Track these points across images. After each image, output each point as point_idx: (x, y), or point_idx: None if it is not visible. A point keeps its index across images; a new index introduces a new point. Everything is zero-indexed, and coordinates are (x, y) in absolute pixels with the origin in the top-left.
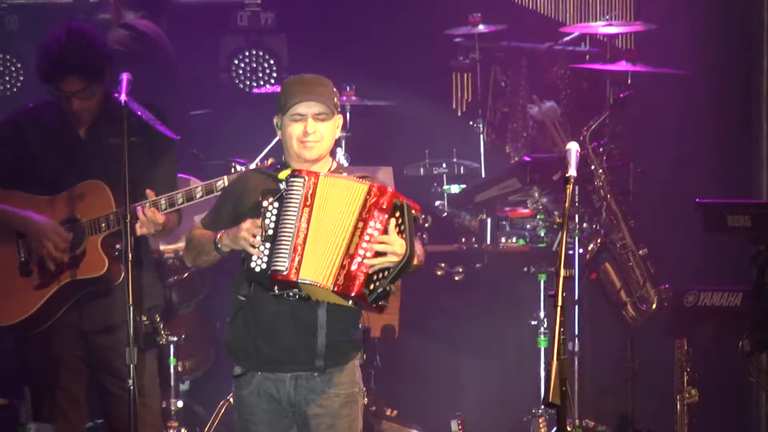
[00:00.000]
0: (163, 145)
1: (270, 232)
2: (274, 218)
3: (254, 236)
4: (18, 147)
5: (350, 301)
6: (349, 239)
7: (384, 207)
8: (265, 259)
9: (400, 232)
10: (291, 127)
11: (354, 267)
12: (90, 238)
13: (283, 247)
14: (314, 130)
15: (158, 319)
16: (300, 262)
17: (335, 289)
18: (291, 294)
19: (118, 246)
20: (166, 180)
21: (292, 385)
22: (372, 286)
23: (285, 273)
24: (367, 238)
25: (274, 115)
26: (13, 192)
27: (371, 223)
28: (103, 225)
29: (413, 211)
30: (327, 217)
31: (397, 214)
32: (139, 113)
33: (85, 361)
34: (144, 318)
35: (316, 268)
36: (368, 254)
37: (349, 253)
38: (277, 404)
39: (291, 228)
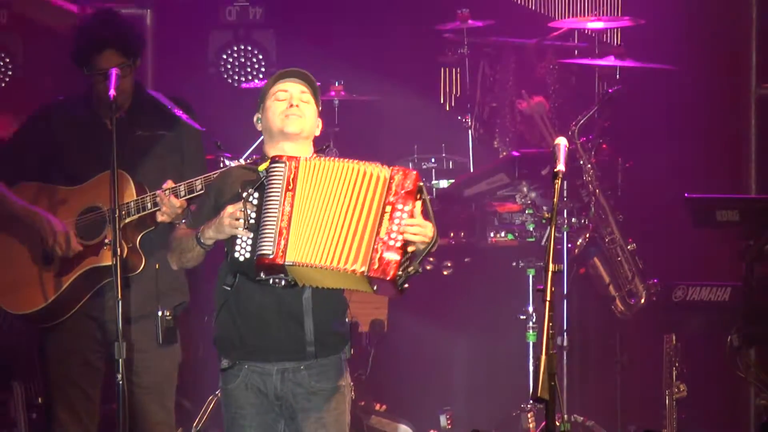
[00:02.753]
0: (191, 137)
1: (252, 221)
2: (255, 208)
3: (237, 219)
4: (44, 139)
5: (375, 286)
6: (375, 223)
7: (410, 189)
8: (249, 248)
9: (426, 215)
10: (274, 105)
11: (388, 251)
12: (110, 226)
13: (267, 231)
14: (298, 104)
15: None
16: (285, 245)
17: (370, 273)
18: (277, 280)
19: (107, 240)
20: (196, 171)
21: (279, 378)
22: (403, 271)
23: (271, 256)
24: (397, 221)
25: (256, 112)
26: (37, 184)
27: (399, 206)
28: (123, 213)
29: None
30: (316, 198)
31: (421, 196)
32: (168, 106)
33: (103, 358)
34: (168, 313)
35: (309, 249)
36: (400, 237)
37: (380, 237)
38: (264, 397)
39: (274, 213)
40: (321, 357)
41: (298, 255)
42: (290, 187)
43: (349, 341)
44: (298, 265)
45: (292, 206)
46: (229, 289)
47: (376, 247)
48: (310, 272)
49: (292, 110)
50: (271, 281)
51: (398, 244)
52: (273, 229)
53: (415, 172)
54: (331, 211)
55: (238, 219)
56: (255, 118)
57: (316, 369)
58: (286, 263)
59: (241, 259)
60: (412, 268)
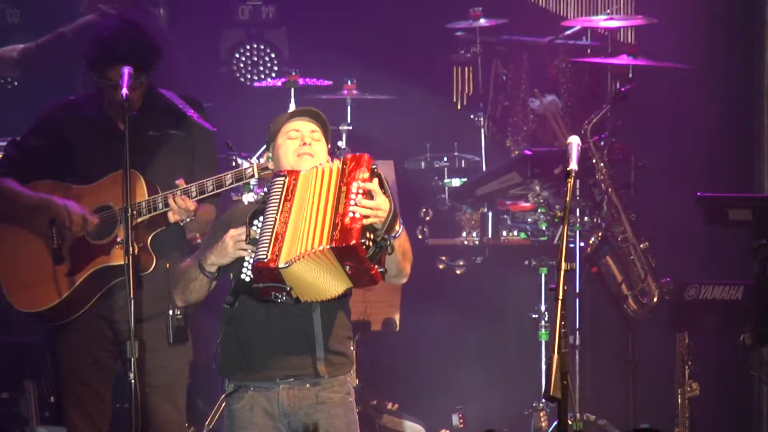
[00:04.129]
0: (203, 136)
1: (257, 236)
2: (259, 227)
3: (240, 242)
4: (54, 139)
5: (347, 267)
6: (334, 204)
7: (363, 169)
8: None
9: (382, 192)
10: (286, 143)
11: (347, 221)
12: (121, 225)
13: (264, 238)
14: (310, 143)
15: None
16: (281, 248)
17: (333, 244)
18: (278, 295)
19: (119, 239)
20: (207, 171)
21: (285, 396)
22: (367, 238)
23: (266, 261)
24: (353, 195)
25: (266, 150)
26: (50, 182)
27: (354, 184)
28: (135, 213)
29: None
30: (307, 201)
31: (376, 176)
32: (180, 106)
33: (113, 357)
34: (178, 312)
35: (301, 244)
36: (358, 208)
37: (339, 212)
38: (270, 418)
39: (272, 221)
40: (329, 376)
41: (290, 254)
42: (288, 198)
43: (354, 367)
44: (288, 264)
45: (289, 213)
46: (228, 307)
47: (336, 222)
48: (301, 275)
49: (304, 149)
50: (272, 296)
51: (357, 215)
52: (269, 235)
53: (366, 156)
54: (312, 207)
55: (239, 239)
56: (265, 157)
57: (322, 385)
58: (279, 266)
59: (247, 279)
60: (377, 236)
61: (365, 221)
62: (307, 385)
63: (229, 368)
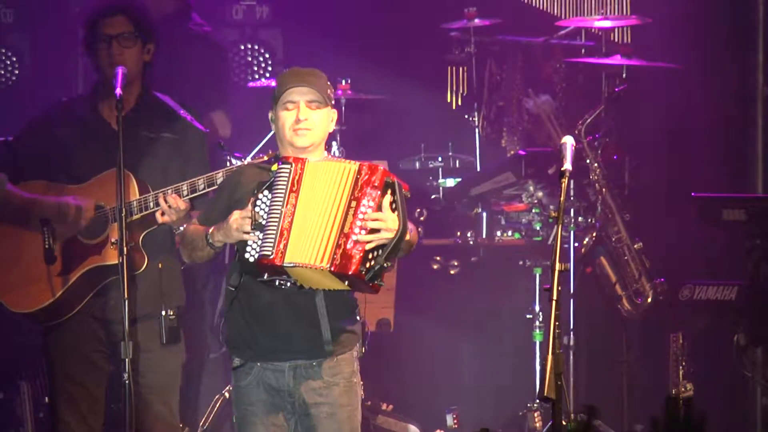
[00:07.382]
0: (195, 137)
1: (262, 221)
2: (266, 207)
3: (244, 223)
4: (47, 139)
5: (346, 282)
6: (342, 218)
7: (376, 185)
8: (257, 248)
9: (393, 210)
10: (283, 114)
11: (350, 245)
12: (113, 225)
13: (269, 232)
14: (306, 117)
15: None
16: (286, 246)
17: (332, 268)
18: (282, 282)
19: (112, 239)
20: (199, 172)
21: (291, 374)
22: (368, 264)
23: (271, 257)
24: (360, 216)
25: (270, 109)
26: (41, 182)
27: (364, 201)
28: (126, 212)
29: (404, 190)
30: (315, 200)
31: (389, 192)
32: (172, 106)
33: (106, 357)
34: (171, 313)
35: (306, 250)
36: (363, 232)
37: (343, 232)
38: (276, 394)
39: (277, 213)
40: (336, 354)
41: (295, 256)
42: (294, 189)
43: (361, 339)
44: (294, 266)
45: (294, 207)
46: (233, 289)
47: (339, 242)
48: (306, 273)
49: (300, 125)
50: (276, 282)
51: (360, 239)
52: (275, 230)
53: (382, 168)
54: (320, 211)
55: (244, 222)
56: (270, 116)
57: (328, 365)
58: (284, 264)
59: (251, 259)
60: (377, 262)
61: (369, 246)
62: (314, 363)
63: (236, 343)
